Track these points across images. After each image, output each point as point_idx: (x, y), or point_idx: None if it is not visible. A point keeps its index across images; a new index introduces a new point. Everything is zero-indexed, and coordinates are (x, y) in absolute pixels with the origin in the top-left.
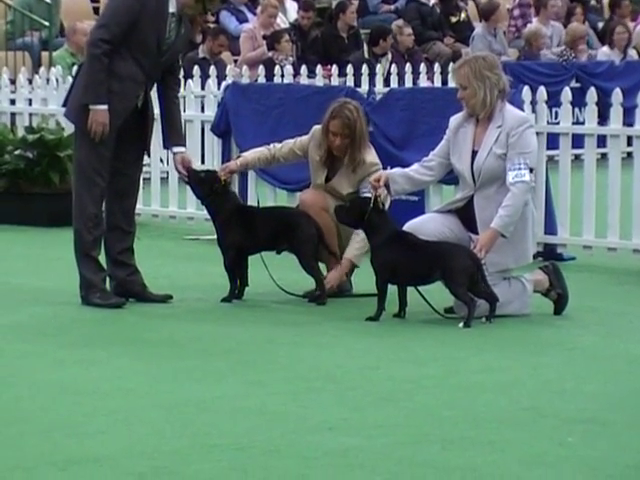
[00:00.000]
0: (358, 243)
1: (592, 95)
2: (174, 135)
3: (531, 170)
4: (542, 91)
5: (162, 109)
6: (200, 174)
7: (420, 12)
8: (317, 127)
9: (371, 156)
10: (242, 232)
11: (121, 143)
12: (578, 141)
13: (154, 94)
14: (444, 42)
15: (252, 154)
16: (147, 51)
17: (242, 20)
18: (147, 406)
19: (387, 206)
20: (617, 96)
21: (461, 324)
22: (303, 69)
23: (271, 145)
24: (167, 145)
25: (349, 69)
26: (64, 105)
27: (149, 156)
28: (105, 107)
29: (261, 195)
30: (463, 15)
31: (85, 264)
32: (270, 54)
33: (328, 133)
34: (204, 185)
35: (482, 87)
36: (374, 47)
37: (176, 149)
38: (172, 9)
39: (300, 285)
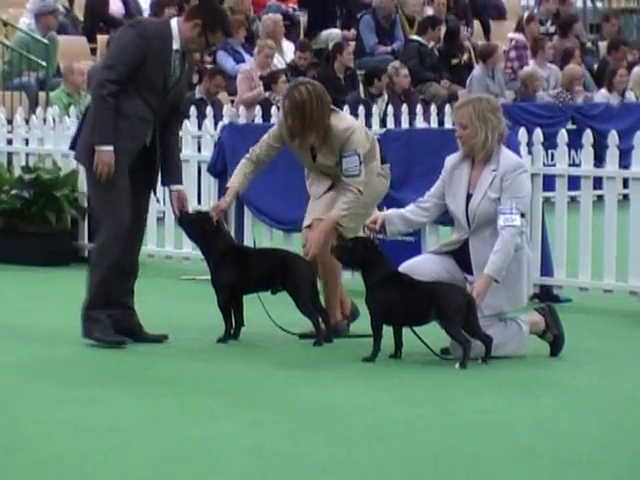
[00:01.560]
0: (345, 204)
1: (588, 137)
2: (173, 173)
3: (522, 215)
4: (538, 133)
5: (162, 146)
6: (191, 216)
7: (420, 52)
8: None
9: (343, 122)
10: (235, 272)
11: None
12: (574, 183)
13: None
14: (440, 83)
15: (237, 177)
16: (154, 89)
17: (239, 60)
18: (144, 445)
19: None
20: (613, 138)
21: (457, 365)
22: None
23: (249, 152)
24: (165, 182)
25: (345, 109)
26: (72, 147)
27: (155, 194)
28: (111, 148)
29: (257, 235)
30: (465, 57)
31: (98, 296)
32: (267, 94)
33: (284, 112)
34: (196, 226)
35: (484, 128)
36: (370, 87)
37: (174, 187)
38: (176, 46)
39: (297, 326)
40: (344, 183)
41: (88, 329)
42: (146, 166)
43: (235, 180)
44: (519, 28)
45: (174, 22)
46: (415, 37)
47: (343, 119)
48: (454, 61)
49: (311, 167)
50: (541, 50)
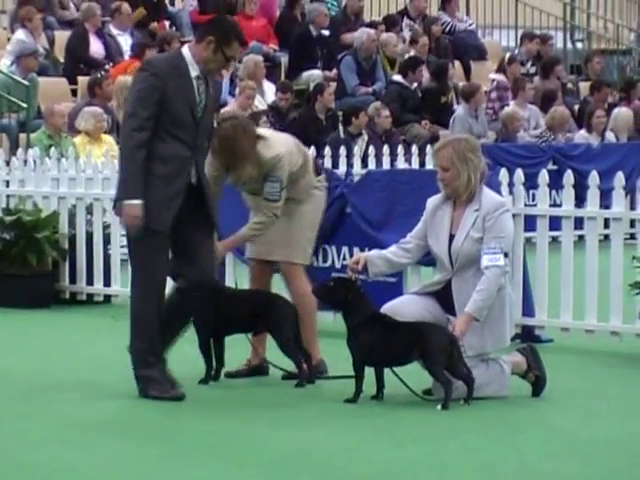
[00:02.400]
0: (257, 224)
1: (569, 177)
2: None
3: (506, 254)
4: (519, 173)
5: None
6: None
7: (401, 95)
8: None
9: (269, 150)
10: (217, 313)
11: (182, 226)
12: (555, 223)
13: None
14: (421, 124)
15: None
16: (184, 124)
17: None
18: None
19: None
20: (594, 178)
21: (439, 406)
22: None
23: None
24: None
25: (327, 150)
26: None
27: (215, 231)
28: (139, 202)
29: (239, 276)
30: (451, 95)
31: (139, 355)
32: None
33: (215, 151)
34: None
35: (465, 169)
36: (348, 126)
37: None
38: (195, 73)
39: (282, 365)
40: (262, 206)
41: (144, 389)
42: (198, 205)
43: None
44: (501, 69)
45: (186, 49)
46: (397, 78)
47: (270, 147)
48: (443, 99)
49: (241, 189)
50: (521, 91)
